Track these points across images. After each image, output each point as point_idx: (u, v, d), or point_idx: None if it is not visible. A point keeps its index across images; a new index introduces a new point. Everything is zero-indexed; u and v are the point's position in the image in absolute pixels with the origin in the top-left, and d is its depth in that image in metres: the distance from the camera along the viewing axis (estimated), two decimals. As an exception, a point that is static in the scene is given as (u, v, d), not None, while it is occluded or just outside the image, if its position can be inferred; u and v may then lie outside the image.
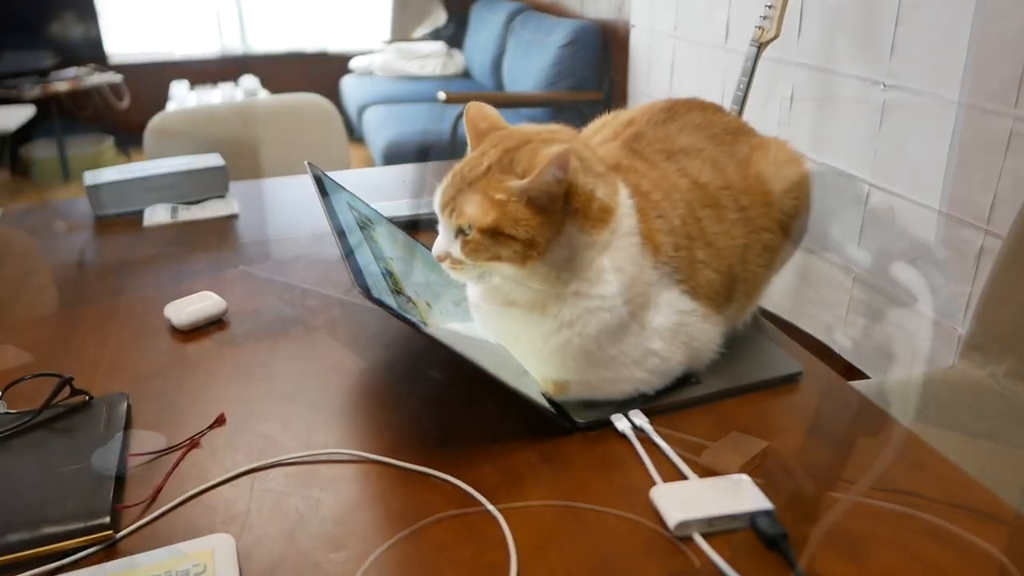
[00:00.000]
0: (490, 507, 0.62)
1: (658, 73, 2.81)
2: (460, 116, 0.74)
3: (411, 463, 0.67)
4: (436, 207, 0.69)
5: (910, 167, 1.74)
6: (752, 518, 0.59)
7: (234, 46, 4.66)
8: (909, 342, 1.81)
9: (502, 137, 0.69)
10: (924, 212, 1.72)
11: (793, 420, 0.73)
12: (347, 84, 4.35)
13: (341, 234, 0.74)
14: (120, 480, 0.65)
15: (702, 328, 0.74)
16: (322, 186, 0.85)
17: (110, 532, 0.59)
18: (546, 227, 0.66)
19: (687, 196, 0.76)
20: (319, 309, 0.95)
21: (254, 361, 0.84)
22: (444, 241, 0.69)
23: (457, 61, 4.34)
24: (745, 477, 0.62)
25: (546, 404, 0.71)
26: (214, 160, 1.33)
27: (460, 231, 0.67)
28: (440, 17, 4.58)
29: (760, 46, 1.96)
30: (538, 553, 0.57)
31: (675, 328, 0.72)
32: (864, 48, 1.82)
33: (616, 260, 0.68)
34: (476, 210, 0.65)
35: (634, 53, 2.98)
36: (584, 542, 0.58)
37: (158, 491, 0.65)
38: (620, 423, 0.70)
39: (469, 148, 0.72)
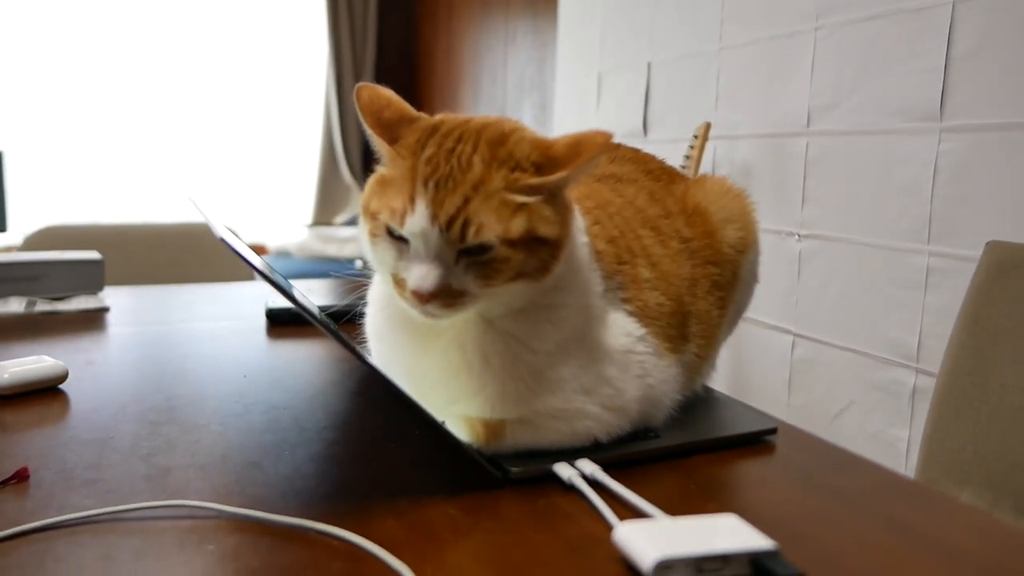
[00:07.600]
0: (392, 560, 0.44)
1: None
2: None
3: (283, 516, 0.48)
4: (418, 227, 0.50)
5: (832, 313, 1.73)
6: (754, 558, 0.43)
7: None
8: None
9: (453, 128, 0.54)
10: (851, 357, 1.68)
11: (774, 473, 0.59)
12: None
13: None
14: None
15: (656, 364, 0.61)
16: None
17: None
18: (566, 223, 0.54)
19: (623, 212, 0.66)
20: (191, 381, 0.77)
21: (88, 424, 0.65)
22: (439, 272, 0.50)
23: (376, 245, 4.36)
24: (733, 515, 0.47)
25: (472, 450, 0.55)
26: (90, 254, 1.17)
27: (468, 252, 0.51)
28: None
29: (676, 202, 2.01)
30: (459, 608, 0.39)
31: (626, 354, 0.58)
32: (776, 201, 1.88)
33: (572, 262, 0.56)
34: (499, 219, 0.50)
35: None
36: (525, 596, 0.41)
37: None
38: (565, 471, 0.54)
39: (376, 143, 0.55)
